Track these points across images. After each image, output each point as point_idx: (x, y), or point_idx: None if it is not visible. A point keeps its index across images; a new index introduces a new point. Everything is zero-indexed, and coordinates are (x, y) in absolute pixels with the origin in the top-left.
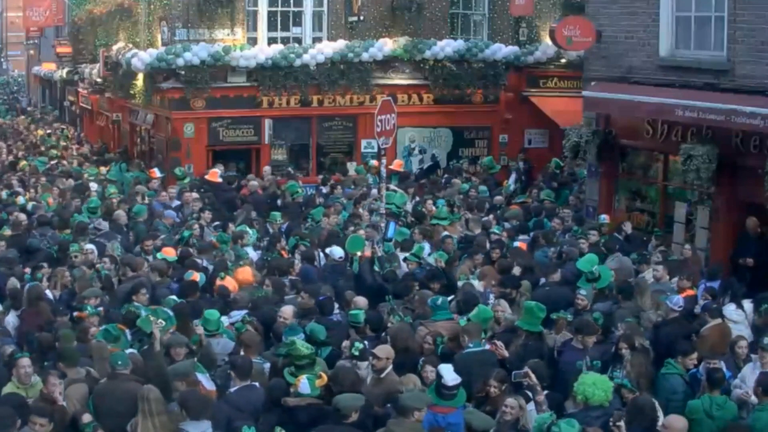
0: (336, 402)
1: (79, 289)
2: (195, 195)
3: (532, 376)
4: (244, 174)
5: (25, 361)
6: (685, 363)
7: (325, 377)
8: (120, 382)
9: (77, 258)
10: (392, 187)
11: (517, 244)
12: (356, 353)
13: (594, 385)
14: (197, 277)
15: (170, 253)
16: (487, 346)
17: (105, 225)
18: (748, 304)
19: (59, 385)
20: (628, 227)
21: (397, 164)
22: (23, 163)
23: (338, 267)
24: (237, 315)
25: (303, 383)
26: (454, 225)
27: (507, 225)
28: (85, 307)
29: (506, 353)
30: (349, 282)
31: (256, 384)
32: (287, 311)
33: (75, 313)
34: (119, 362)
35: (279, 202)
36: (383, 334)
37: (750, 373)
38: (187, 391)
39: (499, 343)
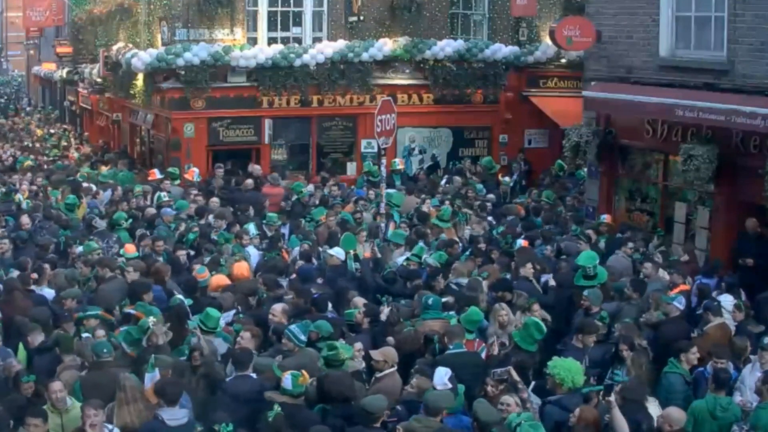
0: (365, 404)
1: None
2: (214, 199)
3: (514, 373)
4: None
5: (57, 386)
6: (689, 359)
7: (307, 376)
8: (106, 370)
9: (98, 256)
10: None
11: (520, 242)
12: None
13: (575, 372)
14: (206, 275)
15: (131, 250)
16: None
17: (102, 223)
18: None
19: (94, 416)
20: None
21: (401, 162)
22: (27, 163)
23: (339, 267)
24: (227, 316)
25: (286, 378)
26: (459, 227)
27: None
28: (84, 307)
29: (495, 352)
30: (351, 282)
31: (253, 375)
32: (277, 309)
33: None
34: (104, 350)
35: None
36: (386, 336)
37: (749, 374)
38: (164, 379)
39: (497, 342)
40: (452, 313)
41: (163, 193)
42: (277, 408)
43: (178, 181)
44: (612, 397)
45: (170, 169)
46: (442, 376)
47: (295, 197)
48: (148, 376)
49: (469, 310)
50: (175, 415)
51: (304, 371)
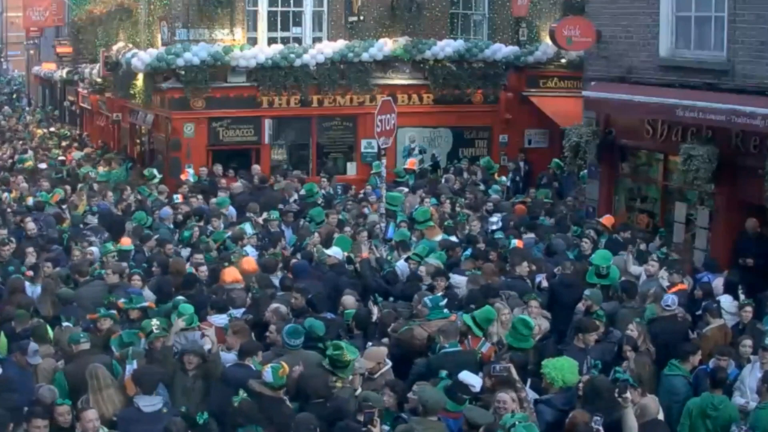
0: (365, 397)
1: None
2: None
3: (514, 371)
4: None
5: (92, 414)
6: (693, 362)
7: (287, 368)
8: (86, 358)
9: (113, 258)
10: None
11: (515, 242)
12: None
13: (566, 371)
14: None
15: (126, 243)
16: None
17: (93, 220)
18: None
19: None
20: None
21: (411, 163)
22: (29, 163)
23: (339, 267)
24: (236, 313)
25: (267, 372)
26: (460, 227)
27: (495, 218)
28: (98, 309)
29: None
30: (351, 281)
31: (252, 365)
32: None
33: (87, 316)
34: (81, 339)
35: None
36: (384, 338)
37: (748, 374)
38: (141, 367)
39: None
40: (447, 311)
41: (176, 195)
42: (242, 393)
43: (156, 181)
44: (628, 394)
45: (146, 171)
46: (476, 378)
47: (294, 197)
48: (128, 368)
49: (484, 308)
50: (151, 401)
51: (284, 363)
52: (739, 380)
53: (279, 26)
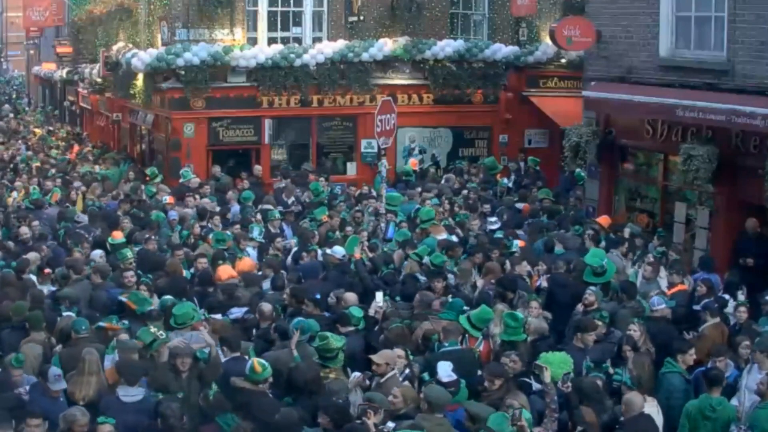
0: (369, 397)
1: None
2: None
3: (547, 375)
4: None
5: (107, 428)
6: (686, 360)
7: (258, 366)
8: (82, 345)
9: (130, 264)
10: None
11: (517, 243)
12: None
13: (556, 365)
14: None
15: (118, 236)
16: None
17: (84, 217)
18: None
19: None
20: (626, 232)
21: (413, 163)
22: (37, 164)
23: (342, 266)
24: (237, 312)
25: (248, 364)
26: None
27: (493, 219)
28: (110, 318)
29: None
30: (354, 280)
31: (245, 357)
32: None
33: (101, 323)
34: (83, 327)
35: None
36: (381, 337)
37: (747, 375)
38: (124, 359)
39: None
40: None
41: (166, 197)
42: (215, 387)
43: (158, 180)
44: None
45: (149, 170)
46: (447, 368)
47: (292, 198)
48: (108, 357)
49: (480, 308)
50: (131, 392)
51: (256, 359)
52: (740, 381)
53: (279, 26)
